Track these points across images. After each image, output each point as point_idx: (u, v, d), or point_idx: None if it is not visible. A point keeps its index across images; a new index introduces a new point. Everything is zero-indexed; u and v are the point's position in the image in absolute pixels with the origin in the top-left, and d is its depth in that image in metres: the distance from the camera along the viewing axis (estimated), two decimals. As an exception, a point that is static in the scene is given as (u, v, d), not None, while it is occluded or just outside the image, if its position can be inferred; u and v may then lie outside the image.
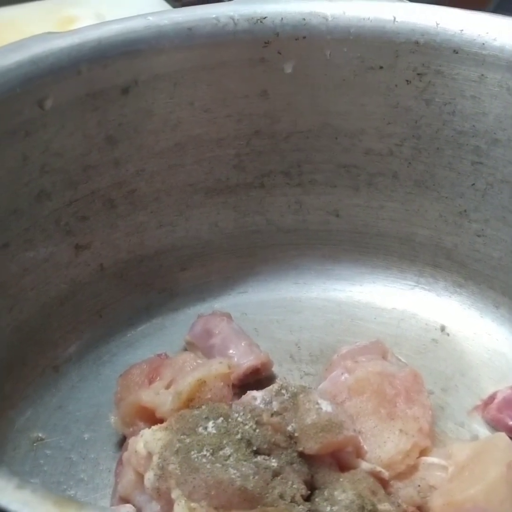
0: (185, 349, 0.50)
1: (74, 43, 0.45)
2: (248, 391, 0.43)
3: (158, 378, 0.44)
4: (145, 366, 0.45)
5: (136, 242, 0.52)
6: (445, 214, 0.52)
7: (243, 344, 0.48)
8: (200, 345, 0.49)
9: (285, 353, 0.51)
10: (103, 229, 0.50)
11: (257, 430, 0.39)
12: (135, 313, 0.53)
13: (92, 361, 0.50)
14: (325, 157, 0.53)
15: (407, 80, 0.49)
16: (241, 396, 0.43)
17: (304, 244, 0.55)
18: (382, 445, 0.41)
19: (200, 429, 0.38)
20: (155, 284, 0.54)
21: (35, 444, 0.45)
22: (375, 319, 0.53)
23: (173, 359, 0.46)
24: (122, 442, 0.45)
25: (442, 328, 0.52)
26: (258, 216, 0.55)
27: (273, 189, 0.54)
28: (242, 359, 0.47)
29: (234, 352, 0.48)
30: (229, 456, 0.37)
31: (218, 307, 0.54)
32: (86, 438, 0.46)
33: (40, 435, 0.46)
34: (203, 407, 0.40)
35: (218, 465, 0.36)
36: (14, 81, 0.42)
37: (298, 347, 0.52)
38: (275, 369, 0.49)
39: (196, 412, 0.40)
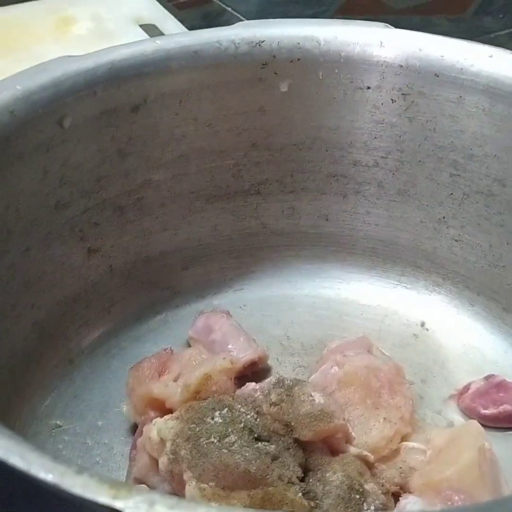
0: (188, 344, 0.55)
1: (90, 66, 0.49)
2: (247, 383, 0.48)
3: (166, 371, 0.49)
4: (154, 360, 0.49)
5: (142, 245, 0.56)
6: (426, 220, 0.56)
7: (241, 339, 0.53)
8: (202, 340, 0.53)
9: (279, 346, 0.55)
10: (113, 234, 0.54)
11: (258, 419, 0.43)
12: (141, 309, 0.57)
13: (102, 354, 0.54)
14: (316, 167, 0.57)
15: (392, 99, 0.53)
16: (240, 387, 0.48)
17: (296, 245, 0.60)
18: (368, 432, 0.45)
19: (208, 419, 0.43)
20: (159, 283, 0.58)
21: (53, 431, 0.49)
22: (361, 315, 0.58)
23: (180, 354, 0.50)
24: (133, 429, 0.49)
25: (422, 324, 0.57)
26: (254, 220, 0.59)
27: (268, 196, 0.58)
28: (241, 353, 0.52)
29: (233, 347, 0.52)
30: (234, 442, 0.41)
31: (217, 303, 0.58)
32: (100, 425, 0.50)
33: (58, 422, 0.50)
34: (210, 399, 0.45)
35: (224, 450, 0.41)
36: (37, 103, 0.46)
37: (291, 340, 0.56)
38: (270, 361, 0.54)
39: (203, 403, 0.44)
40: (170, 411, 0.46)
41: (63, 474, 0.25)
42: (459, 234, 0.55)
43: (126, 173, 0.53)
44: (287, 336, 0.56)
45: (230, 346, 0.52)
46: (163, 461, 0.42)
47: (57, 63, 0.48)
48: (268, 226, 0.59)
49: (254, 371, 0.52)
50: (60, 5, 0.96)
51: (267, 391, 0.45)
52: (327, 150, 0.56)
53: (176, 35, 0.52)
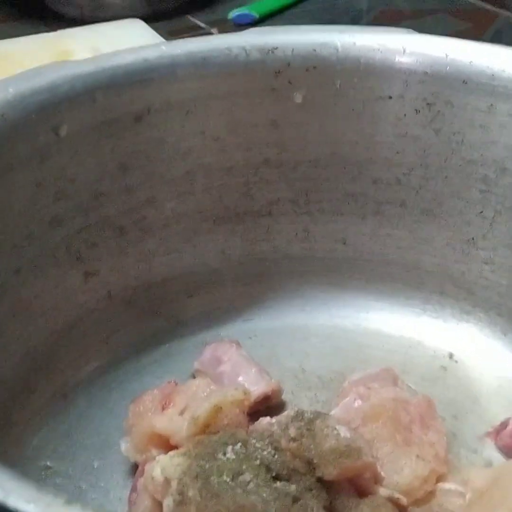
0: (193, 376, 0.50)
1: (89, 71, 0.45)
2: (260, 418, 0.43)
3: (171, 404, 0.44)
4: (157, 393, 0.45)
5: (144, 269, 0.52)
6: (453, 242, 0.52)
7: (253, 371, 0.49)
8: (209, 372, 0.49)
9: (293, 380, 0.51)
10: (112, 256, 0.50)
11: (276, 456, 0.38)
12: (142, 340, 0.53)
13: (100, 388, 0.50)
14: (333, 185, 0.53)
15: (416, 110, 0.50)
16: (253, 423, 0.43)
17: (311, 271, 0.56)
18: (399, 471, 0.41)
19: (219, 455, 0.38)
20: (162, 311, 0.54)
21: (43, 473, 0.45)
22: (383, 347, 0.53)
23: (186, 385, 0.46)
24: (132, 470, 0.44)
25: (450, 355, 0.53)
26: (266, 244, 0.55)
27: (281, 217, 0.54)
28: (253, 386, 0.47)
29: (244, 379, 0.48)
30: (249, 481, 0.37)
31: (224, 334, 0.54)
32: (95, 466, 0.46)
33: (48, 463, 0.45)
34: (221, 432, 0.40)
35: (238, 490, 0.36)
36: (30, 108, 0.43)
37: (306, 374, 0.52)
38: (284, 396, 0.49)
39: (214, 437, 0.39)
40: (175, 448, 0.42)
41: (49, 505, 0.20)
42: (490, 256, 0.51)
43: (127, 190, 0.50)
44: (302, 369, 0.52)
45: (240, 379, 0.48)
46: (168, 503, 0.37)
47: (54, 67, 0.45)
48: (280, 250, 0.55)
49: (267, 406, 0.48)
50: (59, 39, 0.95)
51: (285, 425, 0.41)
52: (344, 167, 0.53)
53: (183, 41, 0.49)
